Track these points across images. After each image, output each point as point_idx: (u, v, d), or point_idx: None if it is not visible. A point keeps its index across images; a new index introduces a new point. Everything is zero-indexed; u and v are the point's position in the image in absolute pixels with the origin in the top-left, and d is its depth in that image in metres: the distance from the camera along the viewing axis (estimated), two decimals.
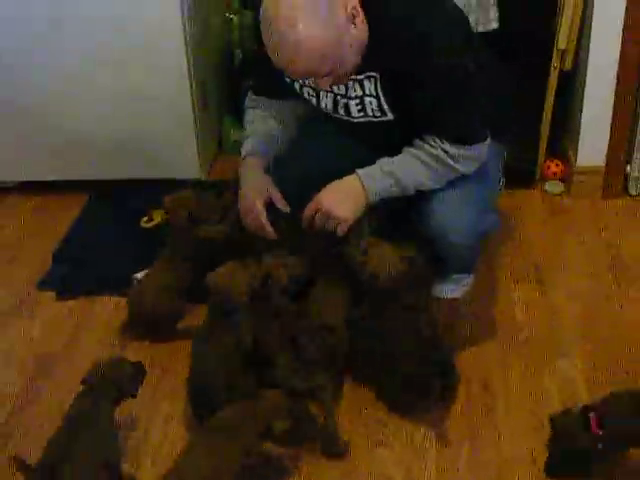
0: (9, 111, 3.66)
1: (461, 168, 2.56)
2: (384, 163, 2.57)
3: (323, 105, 2.67)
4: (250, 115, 2.90)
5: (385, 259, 2.56)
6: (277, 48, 2.28)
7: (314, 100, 2.69)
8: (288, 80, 2.66)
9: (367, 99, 2.55)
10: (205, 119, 3.82)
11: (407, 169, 2.56)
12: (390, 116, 2.57)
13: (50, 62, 3.53)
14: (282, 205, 2.70)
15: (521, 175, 3.58)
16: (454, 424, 2.58)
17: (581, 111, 3.47)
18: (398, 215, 2.78)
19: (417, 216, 2.66)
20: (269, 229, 2.69)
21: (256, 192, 2.70)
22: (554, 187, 3.68)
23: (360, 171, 2.57)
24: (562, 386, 2.68)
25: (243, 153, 2.82)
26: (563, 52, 3.39)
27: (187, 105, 3.63)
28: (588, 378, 2.71)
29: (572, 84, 3.58)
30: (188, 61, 3.54)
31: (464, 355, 2.78)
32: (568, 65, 3.41)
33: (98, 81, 3.57)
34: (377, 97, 2.53)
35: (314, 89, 2.64)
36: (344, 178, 2.58)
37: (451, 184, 2.60)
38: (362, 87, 2.53)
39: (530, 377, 2.72)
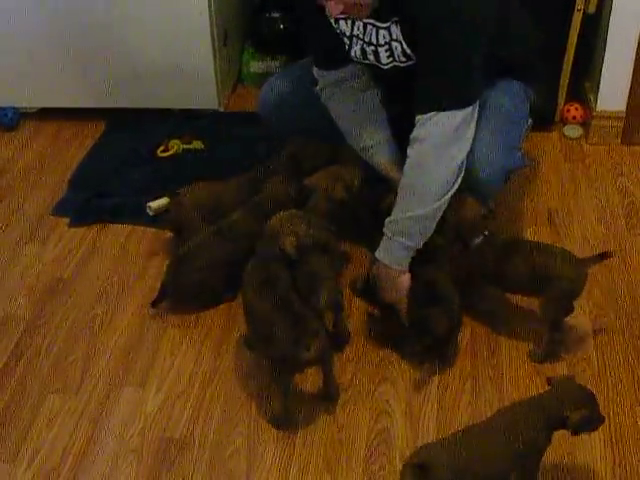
0: (31, 40, 3.66)
1: (464, 134, 2.49)
2: (400, 231, 2.52)
3: (352, 53, 2.65)
4: (337, 109, 2.84)
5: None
6: None
7: (346, 47, 2.65)
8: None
9: (394, 44, 2.54)
10: (225, 51, 3.80)
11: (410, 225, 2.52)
12: (415, 61, 2.55)
13: None
14: None
15: (540, 118, 3.53)
16: (458, 363, 2.60)
17: (603, 55, 3.42)
18: None
19: None
20: None
21: None
22: (573, 131, 3.65)
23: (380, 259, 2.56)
24: (568, 330, 2.67)
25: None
26: None
27: (207, 38, 3.61)
28: (595, 323, 2.72)
29: (595, 28, 3.52)
30: None
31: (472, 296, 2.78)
32: (592, 8, 3.35)
33: (118, 10, 3.55)
34: (400, 42, 2.52)
35: (349, 37, 2.61)
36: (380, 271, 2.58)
37: (482, 119, 2.58)
38: (390, 33, 2.51)
39: (536, 321, 2.69)
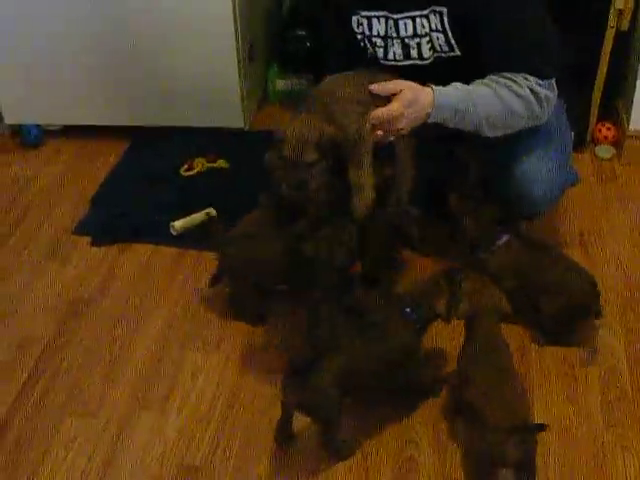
0: (57, 58, 3.64)
1: (542, 114, 2.53)
2: (462, 98, 2.47)
3: (391, 54, 2.62)
4: None
5: None
6: None
7: (382, 52, 2.63)
8: (359, 36, 2.62)
9: (434, 34, 2.51)
10: (250, 69, 3.76)
11: (482, 111, 2.48)
12: (457, 52, 2.52)
13: (92, 7, 3.49)
14: None
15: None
16: None
17: (636, 73, 3.36)
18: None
19: (497, 173, 2.67)
20: None
21: None
22: (605, 152, 3.58)
23: (437, 94, 2.45)
24: (601, 358, 2.61)
25: None
26: (620, 12, 3.27)
27: (232, 55, 3.57)
28: (628, 348, 2.65)
29: (628, 45, 3.46)
30: (234, 11, 3.46)
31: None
32: (625, 25, 3.29)
33: (143, 29, 3.53)
34: (444, 32, 2.48)
35: (384, 38, 2.58)
36: (423, 90, 2.45)
37: (531, 135, 2.59)
38: (429, 22, 2.48)
39: (568, 347, 2.65)
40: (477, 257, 2.73)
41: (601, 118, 3.61)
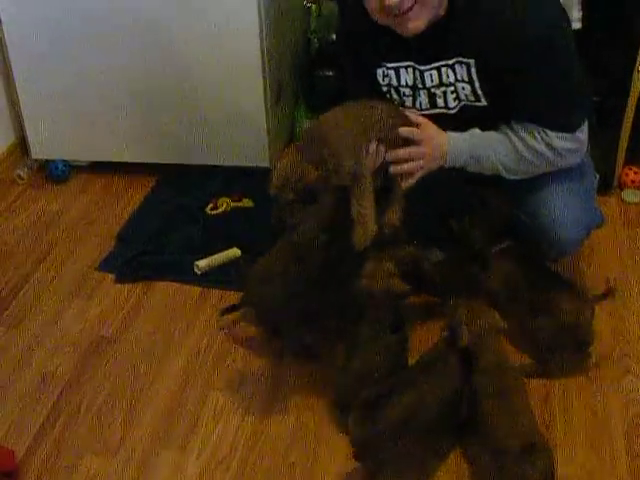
0: (85, 95, 3.67)
1: (562, 162, 2.56)
2: (477, 144, 2.54)
3: (419, 104, 2.63)
4: None
5: None
6: None
7: (410, 100, 2.64)
8: (383, 85, 2.65)
9: (459, 85, 2.52)
10: (277, 108, 3.77)
11: (495, 158, 2.55)
12: (484, 102, 2.53)
13: (122, 47, 3.52)
14: None
15: (598, 182, 3.45)
16: None
17: None
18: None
19: (524, 211, 2.68)
20: None
21: None
22: (632, 196, 3.55)
23: (452, 145, 2.54)
24: (626, 405, 2.58)
25: None
26: None
27: (260, 95, 3.57)
28: None
29: None
30: (262, 52, 3.47)
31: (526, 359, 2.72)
32: None
33: (169, 67, 3.55)
34: (470, 82, 2.49)
35: (412, 88, 2.60)
36: (441, 136, 2.54)
37: (557, 178, 2.61)
38: (454, 72, 2.50)
39: (592, 394, 2.62)
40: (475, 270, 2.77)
41: (628, 162, 3.59)
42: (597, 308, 2.87)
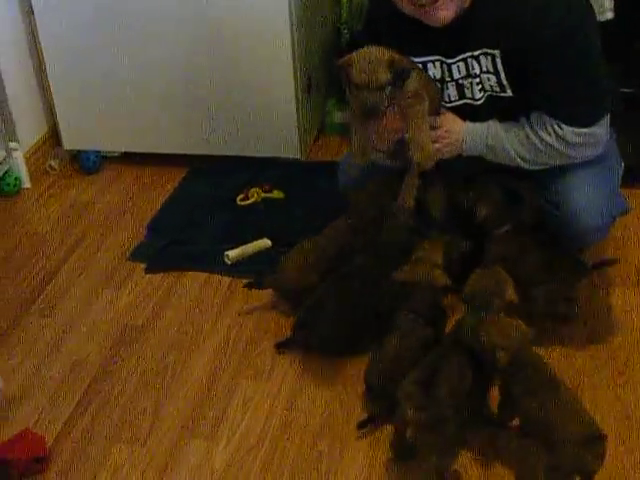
0: (117, 85, 3.69)
1: (577, 154, 2.55)
2: (493, 134, 2.58)
3: (447, 96, 2.64)
4: None
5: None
6: None
7: None
8: None
9: (484, 76, 2.53)
10: (308, 101, 3.77)
11: (511, 148, 2.57)
12: (509, 92, 2.54)
13: (154, 36, 3.54)
14: None
15: (631, 172, 3.41)
16: None
17: None
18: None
19: (547, 200, 2.67)
20: None
21: None
22: None
23: (468, 133, 2.60)
24: None
25: None
26: None
27: (290, 86, 3.58)
28: None
29: None
30: (292, 43, 3.48)
31: (555, 355, 2.68)
32: None
33: (201, 58, 3.56)
34: (496, 73, 2.50)
35: (440, 81, 2.61)
36: (458, 124, 2.62)
37: (580, 166, 2.59)
38: (479, 64, 2.51)
39: (622, 386, 2.59)
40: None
41: None
42: (626, 299, 2.89)
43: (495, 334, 2.29)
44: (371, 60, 2.39)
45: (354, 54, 2.44)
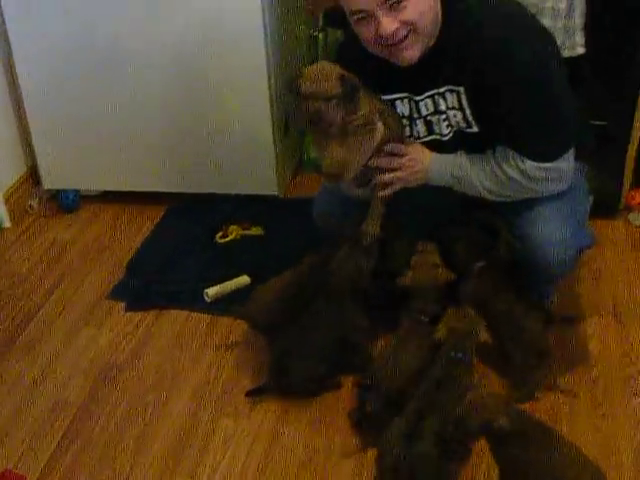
0: (96, 125, 3.72)
1: (540, 188, 2.57)
2: (458, 164, 2.61)
3: (416, 132, 2.67)
4: None
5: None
6: None
7: (407, 130, 2.68)
8: None
9: (450, 112, 2.56)
10: (286, 138, 3.81)
11: (476, 180, 2.60)
12: (475, 128, 2.56)
13: (133, 75, 3.57)
14: None
15: (604, 204, 3.47)
16: None
17: None
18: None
19: (512, 234, 2.69)
20: None
21: None
22: (638, 218, 3.56)
23: (434, 163, 2.63)
24: (635, 428, 2.58)
25: None
26: None
27: (267, 126, 3.61)
28: None
29: None
30: (269, 83, 3.52)
31: None
32: None
33: (179, 96, 3.59)
34: (462, 110, 2.53)
35: (408, 118, 2.65)
36: (423, 154, 2.64)
37: (545, 200, 2.61)
38: (445, 100, 2.54)
39: (601, 417, 2.62)
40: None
41: (634, 184, 3.60)
42: (603, 329, 2.92)
43: (484, 410, 2.25)
44: (321, 72, 2.43)
45: (307, 68, 2.48)
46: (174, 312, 3.18)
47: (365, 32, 2.42)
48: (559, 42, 3.11)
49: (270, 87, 3.52)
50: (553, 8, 3.12)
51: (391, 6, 2.33)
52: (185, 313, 3.17)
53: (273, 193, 3.77)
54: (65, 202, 3.89)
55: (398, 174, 2.64)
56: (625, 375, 2.78)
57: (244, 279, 3.24)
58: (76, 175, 3.87)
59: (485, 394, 2.30)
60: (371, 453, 2.46)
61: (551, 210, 2.60)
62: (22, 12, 3.49)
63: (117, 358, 2.97)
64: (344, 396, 2.71)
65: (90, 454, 2.59)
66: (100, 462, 2.56)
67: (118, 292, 3.31)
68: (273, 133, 3.62)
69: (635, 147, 3.45)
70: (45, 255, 3.60)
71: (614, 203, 3.58)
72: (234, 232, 3.58)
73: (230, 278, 3.24)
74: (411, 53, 2.42)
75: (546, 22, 2.87)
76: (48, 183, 3.91)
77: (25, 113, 3.75)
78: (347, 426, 2.62)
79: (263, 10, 3.36)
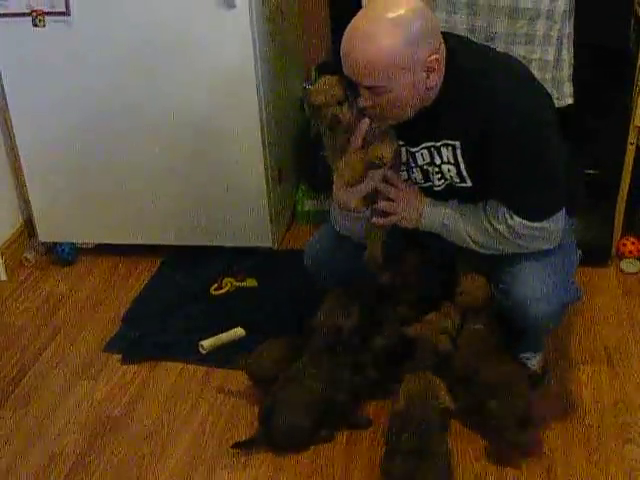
0: (91, 179, 3.75)
1: (527, 245, 2.58)
2: (449, 214, 2.64)
3: (412, 179, 2.71)
4: None
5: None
6: (350, 32, 2.36)
7: (404, 175, 2.71)
8: None
9: (445, 167, 2.58)
10: (279, 189, 3.84)
11: (464, 231, 2.63)
12: (469, 183, 2.59)
13: (128, 131, 3.61)
14: None
15: (596, 252, 3.50)
16: None
17: None
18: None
19: (497, 287, 2.71)
20: None
21: None
22: (630, 266, 3.59)
23: (427, 208, 2.66)
24: (628, 474, 2.58)
25: None
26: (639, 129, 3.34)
27: (261, 176, 3.65)
28: None
29: None
30: (263, 137, 3.57)
31: None
32: None
33: (173, 151, 3.63)
34: (456, 164, 2.55)
35: (405, 164, 2.67)
36: (417, 200, 2.68)
37: (532, 255, 2.62)
38: (440, 155, 2.56)
39: (595, 464, 2.63)
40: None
41: (625, 232, 3.64)
42: (596, 377, 2.93)
43: None
44: (326, 83, 2.51)
45: (311, 86, 2.66)
46: (169, 364, 3.18)
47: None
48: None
49: (264, 141, 3.57)
50: (541, 59, 3.19)
51: (369, 88, 2.40)
52: (180, 365, 3.17)
53: (267, 245, 3.79)
54: (61, 255, 3.91)
55: (394, 205, 2.66)
56: (619, 422, 2.78)
57: (239, 331, 3.25)
58: (72, 228, 3.90)
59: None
60: None
61: (536, 266, 2.61)
62: (18, 69, 3.54)
63: (113, 410, 2.97)
64: (340, 448, 2.72)
65: None
66: None
67: (114, 344, 3.31)
68: (267, 186, 3.66)
69: (624, 195, 3.49)
70: (41, 308, 3.61)
71: (605, 251, 3.61)
72: (228, 284, 3.60)
73: (225, 330, 3.25)
74: (394, 119, 2.49)
75: (534, 74, 2.91)
76: (44, 236, 3.93)
77: (21, 166, 3.78)
78: (344, 478, 2.62)
79: (256, 64, 3.41)
